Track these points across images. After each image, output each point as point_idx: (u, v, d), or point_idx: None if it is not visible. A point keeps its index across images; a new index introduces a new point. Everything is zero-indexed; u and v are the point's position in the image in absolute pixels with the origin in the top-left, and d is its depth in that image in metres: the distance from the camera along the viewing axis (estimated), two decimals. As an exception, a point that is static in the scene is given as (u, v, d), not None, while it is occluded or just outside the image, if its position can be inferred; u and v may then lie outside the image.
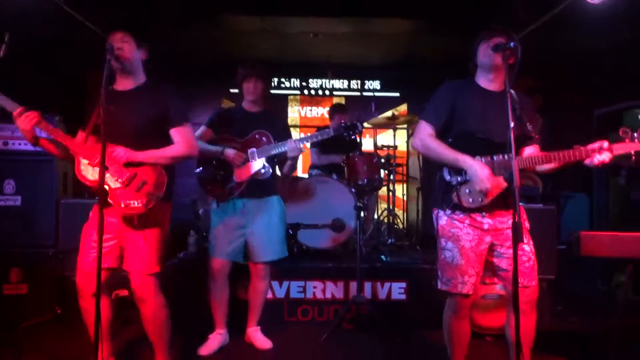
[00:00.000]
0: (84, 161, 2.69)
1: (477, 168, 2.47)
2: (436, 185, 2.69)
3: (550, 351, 3.36)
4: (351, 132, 3.51)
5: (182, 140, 2.82)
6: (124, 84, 2.82)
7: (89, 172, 2.68)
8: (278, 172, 3.67)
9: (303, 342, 3.68)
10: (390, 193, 5.42)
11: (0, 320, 3.83)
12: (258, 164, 3.39)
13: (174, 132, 2.82)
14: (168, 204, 2.86)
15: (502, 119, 2.41)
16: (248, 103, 3.59)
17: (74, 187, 4.57)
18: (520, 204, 2.16)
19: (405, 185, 6.72)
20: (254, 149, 3.41)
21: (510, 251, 2.53)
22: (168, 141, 2.82)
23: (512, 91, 2.31)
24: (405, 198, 6.61)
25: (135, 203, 2.66)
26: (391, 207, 5.39)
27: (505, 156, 2.49)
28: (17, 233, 4.14)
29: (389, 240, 5.20)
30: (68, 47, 5.26)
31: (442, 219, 2.67)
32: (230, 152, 3.38)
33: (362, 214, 4.17)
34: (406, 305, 4.13)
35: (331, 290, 4.14)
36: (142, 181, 2.68)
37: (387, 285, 4.15)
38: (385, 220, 5.47)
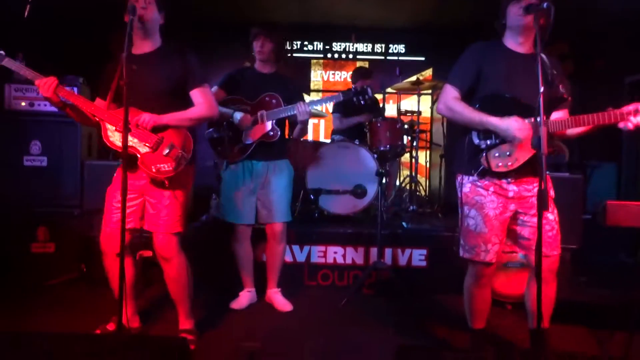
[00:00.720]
0: (111, 127, 2.71)
1: (507, 122, 2.40)
2: (462, 150, 2.62)
3: (570, 321, 3.33)
4: (361, 97, 3.45)
5: (203, 101, 2.83)
6: (142, 47, 2.81)
7: (117, 138, 2.69)
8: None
9: (323, 306, 3.71)
10: (413, 160, 5.37)
11: (29, 277, 3.96)
12: (267, 126, 3.42)
13: (195, 94, 2.83)
14: (192, 167, 2.88)
15: (531, 82, 2.34)
16: (259, 63, 3.58)
17: (99, 149, 4.62)
18: (547, 172, 2.10)
19: (428, 152, 6.66)
20: (264, 112, 3.41)
21: (534, 220, 2.50)
22: (188, 104, 2.83)
23: (543, 54, 2.23)
24: (428, 165, 6.56)
25: (166, 166, 2.69)
26: (413, 174, 5.35)
27: (537, 119, 2.42)
28: (43, 193, 4.22)
29: (411, 207, 5.18)
30: (93, 8, 5.25)
31: (466, 185, 2.63)
32: (238, 115, 3.41)
33: (384, 180, 4.14)
34: (426, 272, 4.13)
35: (352, 255, 4.16)
36: (169, 144, 2.70)
37: (407, 251, 4.15)
38: (407, 187, 5.43)
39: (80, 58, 4.91)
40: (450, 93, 2.60)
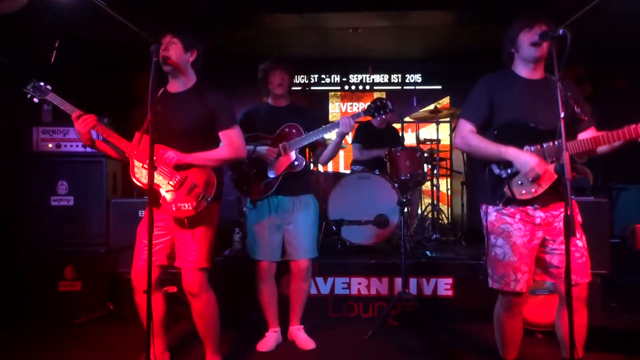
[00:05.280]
0: (138, 164, 2.77)
1: (524, 157, 2.40)
2: (484, 181, 2.61)
3: (604, 349, 3.24)
4: (381, 112, 3.40)
5: (231, 142, 2.87)
6: (175, 86, 2.89)
7: (143, 175, 2.75)
8: (316, 168, 3.65)
9: (349, 339, 3.67)
10: (434, 188, 5.35)
11: (56, 315, 4.00)
12: (291, 156, 3.39)
13: (223, 135, 2.87)
14: (217, 204, 2.91)
15: (547, 106, 2.35)
16: (274, 98, 3.55)
17: (123, 187, 4.70)
18: (572, 197, 2.09)
19: (449, 180, 6.63)
20: (285, 143, 3.39)
21: (562, 247, 2.46)
22: (217, 144, 2.87)
23: (554, 78, 2.24)
24: (449, 192, 6.53)
25: (186, 206, 2.72)
26: (435, 202, 5.32)
27: (556, 143, 2.42)
28: (70, 232, 4.28)
29: (434, 236, 5.14)
30: (118, 51, 5.42)
31: (491, 214, 2.60)
32: (262, 149, 3.38)
33: (405, 209, 4.13)
34: (453, 302, 4.07)
35: (376, 286, 4.12)
36: (192, 184, 2.74)
37: (432, 281, 4.11)
38: (430, 215, 5.40)
39: (106, 99, 5.06)
40: (466, 127, 2.61)
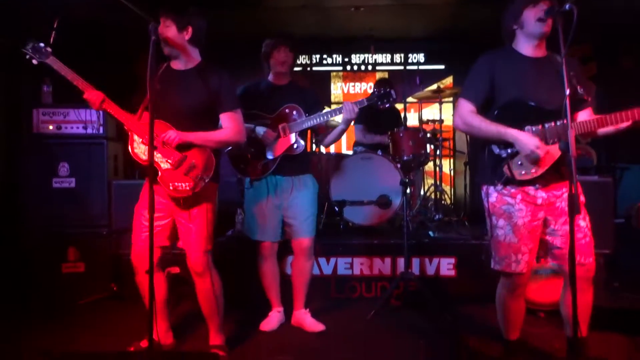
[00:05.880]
0: (138, 139, 2.76)
1: (524, 138, 2.37)
2: (484, 161, 2.58)
3: (606, 328, 3.24)
4: (385, 100, 3.37)
5: (232, 125, 2.85)
6: (177, 65, 2.88)
7: (142, 150, 2.76)
8: (318, 149, 3.63)
9: (352, 319, 3.68)
10: (437, 168, 5.33)
11: (60, 297, 4.02)
12: (290, 139, 3.36)
13: (224, 117, 2.85)
14: (215, 185, 2.90)
15: (550, 85, 2.32)
16: (276, 75, 3.49)
17: (125, 168, 4.70)
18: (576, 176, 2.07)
19: (452, 160, 6.60)
20: (285, 124, 3.36)
21: (565, 227, 2.45)
22: (217, 125, 2.86)
23: (558, 56, 2.20)
24: (452, 173, 6.50)
25: (183, 185, 2.71)
26: (438, 182, 5.30)
27: (558, 123, 2.38)
28: (72, 214, 4.28)
29: (436, 216, 5.13)
30: (116, 32, 5.36)
31: (492, 195, 2.58)
32: (261, 130, 3.34)
33: (408, 189, 4.11)
34: (455, 281, 4.08)
35: (378, 266, 4.13)
36: (191, 164, 2.73)
37: (435, 261, 4.11)
38: (432, 196, 5.38)
39: (104, 80, 5.02)
40: (466, 107, 2.57)
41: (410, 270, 3.88)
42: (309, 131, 3.61)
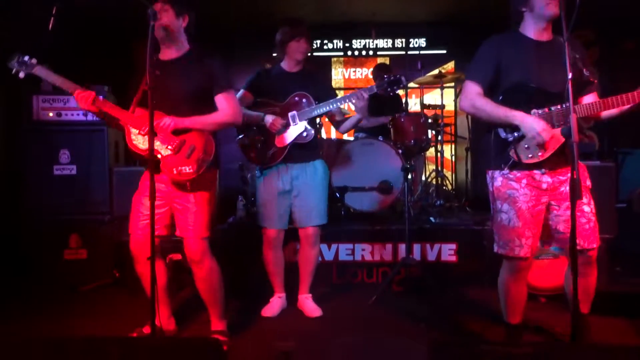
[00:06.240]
0: (134, 131, 2.76)
1: (531, 121, 2.37)
2: (490, 145, 2.57)
3: (608, 312, 3.25)
4: (395, 87, 3.32)
5: (227, 106, 2.84)
6: (167, 54, 2.85)
7: (140, 141, 2.75)
8: (324, 135, 3.62)
9: (353, 304, 3.70)
10: (439, 154, 5.31)
11: (62, 283, 4.04)
12: (299, 127, 3.33)
13: (219, 99, 2.84)
14: (215, 171, 2.90)
15: (556, 68, 2.30)
16: (291, 63, 3.46)
17: (126, 155, 4.69)
18: (579, 161, 2.06)
19: (453, 146, 6.58)
20: (295, 112, 3.33)
21: (568, 213, 2.43)
22: (214, 109, 2.85)
23: (562, 39, 2.18)
24: (453, 159, 6.48)
25: (187, 169, 2.71)
26: (439, 168, 5.29)
27: (564, 106, 2.37)
28: (74, 201, 4.29)
29: (438, 202, 5.12)
30: (115, 17, 5.32)
31: (497, 179, 2.58)
32: (269, 118, 3.31)
33: (409, 175, 4.10)
34: (456, 267, 4.09)
35: (380, 252, 4.13)
36: (191, 147, 2.72)
37: (436, 246, 4.11)
38: (434, 181, 5.38)
39: (105, 66, 5.00)
40: (473, 89, 2.55)
41: (412, 256, 3.89)
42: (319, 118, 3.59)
